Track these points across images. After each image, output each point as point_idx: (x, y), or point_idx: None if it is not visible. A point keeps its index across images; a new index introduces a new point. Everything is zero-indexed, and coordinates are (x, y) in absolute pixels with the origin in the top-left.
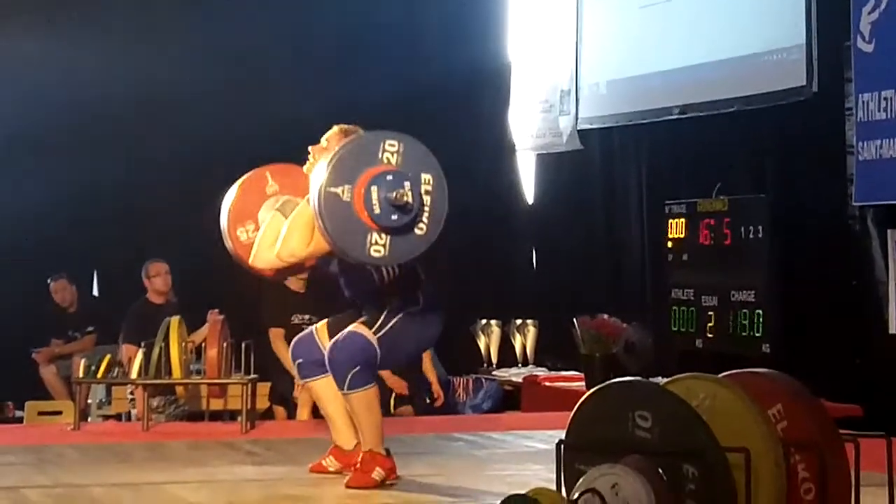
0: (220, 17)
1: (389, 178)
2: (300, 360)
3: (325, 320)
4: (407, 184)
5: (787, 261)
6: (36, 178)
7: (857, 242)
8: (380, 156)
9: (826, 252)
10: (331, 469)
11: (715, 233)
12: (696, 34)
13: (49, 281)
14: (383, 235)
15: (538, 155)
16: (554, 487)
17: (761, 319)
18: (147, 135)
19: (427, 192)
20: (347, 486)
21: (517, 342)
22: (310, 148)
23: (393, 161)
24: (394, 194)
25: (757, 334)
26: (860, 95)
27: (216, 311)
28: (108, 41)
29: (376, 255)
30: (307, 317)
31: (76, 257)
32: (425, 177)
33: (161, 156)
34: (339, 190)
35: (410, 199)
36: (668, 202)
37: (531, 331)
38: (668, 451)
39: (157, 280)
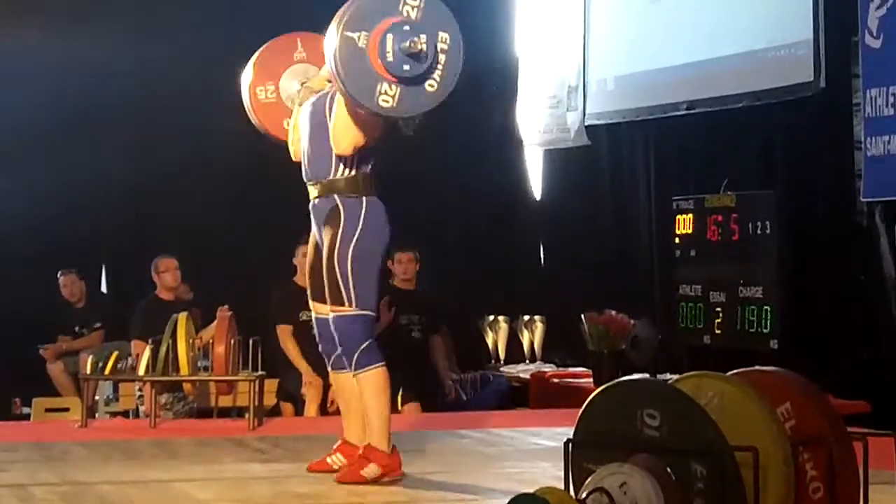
0: (225, 11)
1: (406, 28)
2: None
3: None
4: (423, 36)
5: (795, 257)
6: (44, 173)
7: (865, 238)
8: (400, 7)
9: (834, 248)
10: (335, 466)
11: (723, 228)
12: (704, 29)
13: (58, 275)
14: (393, 86)
15: (546, 151)
16: (562, 486)
17: (769, 315)
18: (156, 130)
19: (442, 51)
20: (337, 481)
21: (525, 338)
22: None
23: (413, 15)
24: (408, 43)
25: (765, 330)
26: (868, 91)
27: (224, 307)
28: (114, 36)
29: (384, 104)
30: None
31: (84, 253)
32: (442, 35)
33: (170, 152)
34: (355, 35)
35: (424, 49)
36: (675, 198)
37: (539, 327)
38: (677, 450)
39: (167, 276)
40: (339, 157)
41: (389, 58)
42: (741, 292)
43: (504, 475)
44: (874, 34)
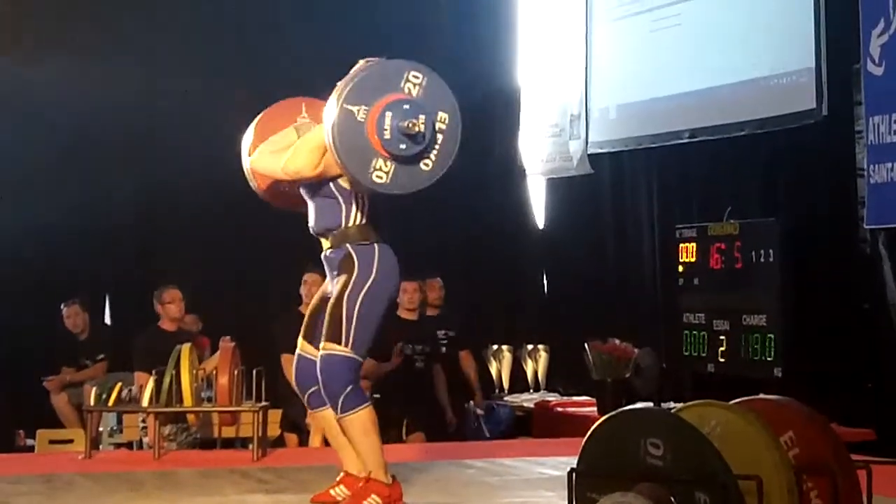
0: (230, 35)
1: (406, 107)
2: (312, 390)
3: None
4: (422, 116)
5: (798, 284)
6: (47, 203)
7: (868, 265)
8: (402, 84)
9: (838, 275)
10: (339, 498)
11: (726, 256)
12: (706, 58)
13: (62, 306)
14: (388, 163)
15: (548, 179)
16: None
17: (773, 343)
18: (160, 160)
19: (440, 130)
20: None
21: (528, 367)
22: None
23: (414, 92)
24: (406, 123)
25: (769, 358)
26: (871, 118)
27: (227, 338)
28: (116, 64)
29: (378, 180)
30: None
31: (88, 284)
32: (442, 115)
33: (173, 181)
34: (355, 109)
35: (422, 130)
36: (678, 226)
37: (542, 356)
38: (681, 479)
39: (171, 307)
40: (349, 205)
41: (387, 135)
42: (745, 320)
43: None
44: (876, 61)
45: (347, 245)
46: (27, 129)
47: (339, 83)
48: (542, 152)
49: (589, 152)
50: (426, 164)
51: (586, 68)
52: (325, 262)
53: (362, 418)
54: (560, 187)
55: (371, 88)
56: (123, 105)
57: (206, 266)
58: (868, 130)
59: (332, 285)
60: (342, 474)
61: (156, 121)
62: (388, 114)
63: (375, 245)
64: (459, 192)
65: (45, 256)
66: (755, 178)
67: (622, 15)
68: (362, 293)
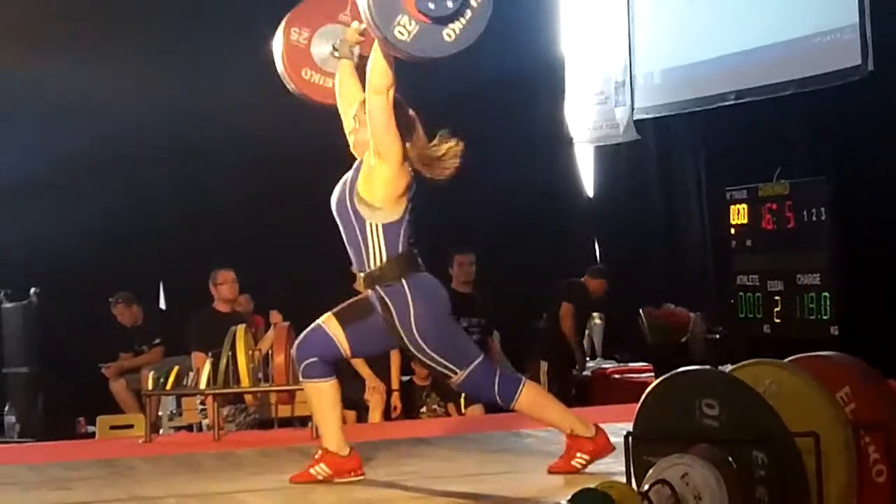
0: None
1: None
2: (309, 361)
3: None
4: None
5: (851, 241)
6: (99, 194)
7: None
8: None
9: (890, 230)
10: (320, 477)
11: (777, 217)
12: (749, 18)
13: (111, 302)
14: (413, 22)
15: (596, 147)
16: (624, 480)
17: (828, 302)
18: (206, 145)
19: (472, 7)
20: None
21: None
22: None
23: None
24: None
25: (824, 317)
26: None
27: (279, 316)
28: (168, 73)
29: (400, 36)
30: None
31: (142, 270)
32: None
33: (222, 162)
34: None
35: None
36: (728, 188)
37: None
38: (737, 439)
39: (224, 288)
40: (367, 241)
41: None
42: (799, 280)
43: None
44: None
45: (377, 287)
46: (69, 127)
47: None
48: (588, 120)
49: (635, 118)
50: (450, 35)
51: (629, 34)
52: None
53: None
54: (607, 154)
55: None
56: (164, 96)
57: (256, 245)
58: None
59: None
60: (320, 452)
61: (199, 107)
62: None
63: (403, 281)
64: (508, 164)
65: (97, 246)
66: (803, 137)
67: None
68: (415, 331)
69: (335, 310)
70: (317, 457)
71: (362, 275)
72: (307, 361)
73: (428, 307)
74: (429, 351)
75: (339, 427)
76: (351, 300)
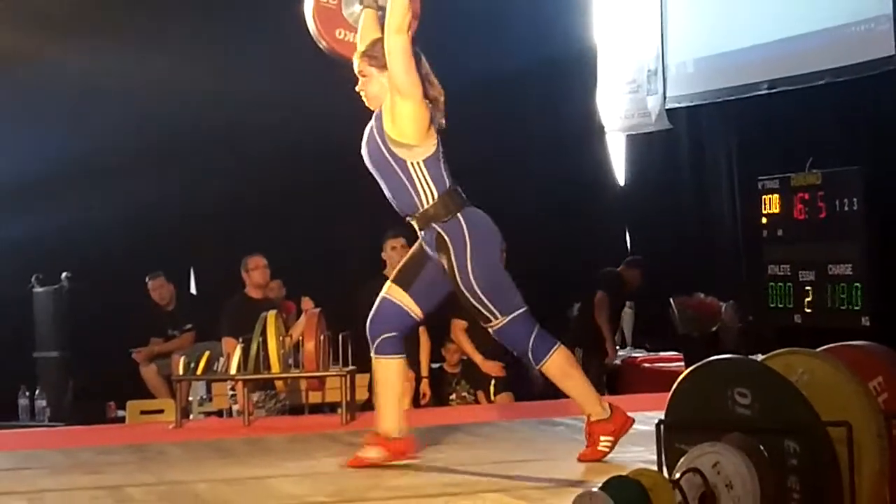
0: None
1: None
2: (385, 336)
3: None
4: None
5: (883, 232)
6: (131, 179)
7: None
8: None
9: None
10: (375, 460)
11: (809, 207)
12: (782, 8)
13: (147, 279)
14: None
15: (628, 136)
16: (655, 468)
17: (860, 292)
18: (239, 132)
19: None
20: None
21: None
22: None
23: None
24: None
25: (856, 307)
26: None
27: (311, 303)
28: (205, 45)
29: None
30: None
31: (173, 256)
32: None
33: (256, 150)
34: None
35: None
36: (760, 178)
37: (628, 312)
38: (769, 428)
39: (256, 273)
40: (414, 183)
41: None
42: (830, 270)
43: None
44: None
45: (433, 225)
46: (103, 116)
47: None
48: (620, 109)
49: (667, 107)
50: None
51: (662, 23)
52: (421, 239)
53: (557, 362)
54: (639, 143)
55: None
56: (198, 84)
57: (288, 231)
58: None
59: (436, 257)
60: (372, 434)
61: (233, 96)
62: None
63: (459, 216)
64: (540, 152)
65: (129, 231)
66: (836, 127)
67: None
68: (470, 269)
69: (392, 277)
70: (369, 440)
71: (416, 215)
72: (383, 336)
73: (484, 245)
74: (477, 290)
75: (401, 408)
76: (401, 262)
